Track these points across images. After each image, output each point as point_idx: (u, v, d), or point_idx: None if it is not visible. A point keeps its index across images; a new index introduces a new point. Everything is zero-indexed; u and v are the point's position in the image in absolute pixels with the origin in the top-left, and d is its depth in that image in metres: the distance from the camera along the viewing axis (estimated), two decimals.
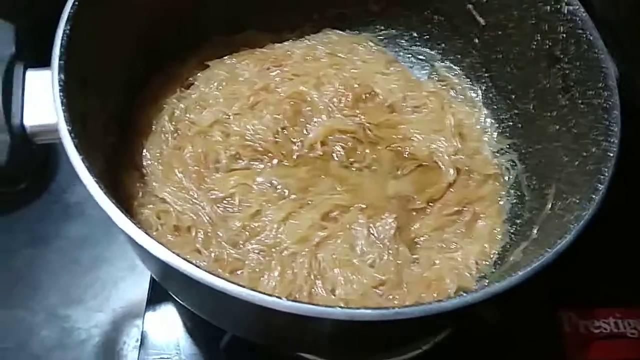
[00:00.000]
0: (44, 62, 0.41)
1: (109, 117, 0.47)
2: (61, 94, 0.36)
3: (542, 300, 0.56)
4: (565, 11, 0.47)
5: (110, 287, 0.63)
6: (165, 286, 0.46)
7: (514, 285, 0.32)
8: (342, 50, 0.61)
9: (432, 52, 0.63)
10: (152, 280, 0.60)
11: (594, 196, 0.37)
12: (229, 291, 0.32)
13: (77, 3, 0.40)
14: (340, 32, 0.64)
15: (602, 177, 0.38)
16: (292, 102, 0.55)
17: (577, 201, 0.39)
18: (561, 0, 0.47)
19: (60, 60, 0.37)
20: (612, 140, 0.40)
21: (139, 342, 0.59)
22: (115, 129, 0.49)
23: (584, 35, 0.45)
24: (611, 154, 0.39)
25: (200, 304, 0.43)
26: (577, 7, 0.46)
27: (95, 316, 0.61)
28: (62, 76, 0.37)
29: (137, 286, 0.63)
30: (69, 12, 0.39)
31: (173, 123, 0.53)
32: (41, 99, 0.39)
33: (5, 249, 0.65)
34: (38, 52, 0.42)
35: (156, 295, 0.58)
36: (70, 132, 0.35)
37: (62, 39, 0.38)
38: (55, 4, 0.41)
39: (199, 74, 0.57)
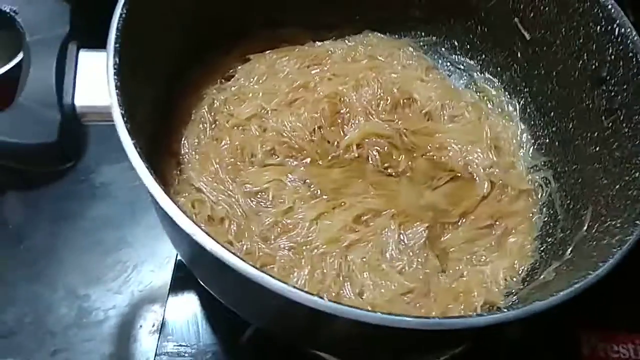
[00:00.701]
0: (94, 43, 0.41)
1: (152, 104, 0.48)
2: (115, 77, 0.36)
3: (564, 319, 0.56)
4: (617, 33, 0.46)
5: (130, 270, 0.64)
6: (195, 271, 0.46)
7: (553, 305, 0.32)
8: (382, 53, 0.61)
9: (472, 63, 0.62)
10: (176, 268, 0.60)
11: (638, 222, 0.36)
12: (265, 282, 0.32)
13: None
14: (381, 35, 0.63)
15: None
16: (330, 102, 0.55)
17: (619, 225, 0.39)
18: (613, 22, 0.47)
19: (115, 43, 0.38)
20: None
21: (154, 327, 0.60)
22: (156, 115, 0.49)
23: (634, 59, 0.45)
24: None
25: (230, 292, 0.43)
26: (630, 29, 0.46)
27: (113, 298, 0.62)
28: (117, 60, 0.37)
29: (157, 271, 0.63)
30: None
31: (212, 114, 0.53)
32: (93, 80, 0.39)
33: (30, 224, 0.66)
34: (90, 33, 0.42)
35: (178, 283, 0.59)
36: (123, 116, 0.35)
37: (118, 23, 0.38)
38: None
39: (239, 67, 0.57)
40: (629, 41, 0.46)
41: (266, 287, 0.32)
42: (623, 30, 0.46)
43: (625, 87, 0.46)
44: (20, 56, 0.57)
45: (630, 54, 0.45)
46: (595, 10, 0.48)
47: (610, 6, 0.47)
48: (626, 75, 0.46)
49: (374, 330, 0.33)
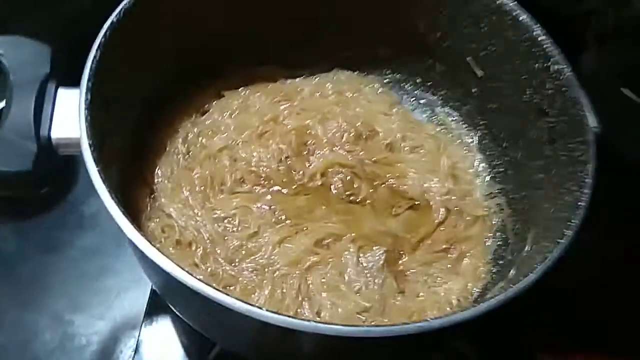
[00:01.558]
0: (74, 80, 0.45)
1: (126, 136, 0.52)
2: (86, 111, 0.41)
3: (523, 341, 0.58)
4: (553, 70, 0.50)
5: (113, 297, 0.67)
6: (164, 296, 0.49)
7: (476, 315, 0.35)
8: (349, 89, 0.65)
9: (434, 98, 0.67)
10: (151, 294, 0.63)
11: (561, 240, 0.39)
12: (221, 301, 0.34)
13: (108, 33, 0.45)
14: (350, 72, 0.68)
15: (570, 223, 0.40)
16: (297, 134, 0.59)
17: (547, 245, 0.42)
18: (550, 59, 0.51)
19: (88, 82, 0.42)
20: (584, 190, 0.43)
21: (133, 352, 0.62)
22: (131, 147, 0.53)
23: (568, 93, 0.49)
24: (582, 203, 0.42)
25: (195, 314, 0.46)
26: (564, 66, 0.50)
27: (96, 323, 0.65)
28: (89, 96, 0.41)
29: (139, 298, 0.66)
30: (100, 41, 0.44)
31: (186, 145, 0.57)
32: (68, 115, 0.43)
33: (20, 253, 0.69)
34: (70, 72, 0.46)
35: (154, 308, 0.62)
36: (90, 146, 0.39)
37: (91, 64, 0.43)
38: (87, 30, 0.46)
39: (214, 102, 0.61)
40: (563, 76, 0.49)
41: (217, 302, 0.35)
42: (558, 66, 0.50)
43: (562, 118, 0.50)
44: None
45: (564, 88, 0.49)
46: (535, 48, 0.52)
47: (547, 45, 0.51)
48: (562, 107, 0.49)
49: (313, 342, 0.36)
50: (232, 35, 0.62)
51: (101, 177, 0.37)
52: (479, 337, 0.46)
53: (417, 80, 0.67)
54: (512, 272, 0.47)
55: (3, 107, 0.60)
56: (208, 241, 0.51)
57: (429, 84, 0.67)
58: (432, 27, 0.61)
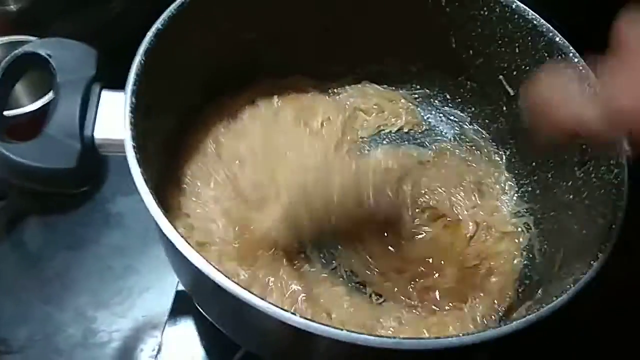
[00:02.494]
0: (116, 84, 0.47)
1: (162, 138, 0.53)
2: (130, 114, 0.42)
3: None
4: None
5: (136, 296, 0.67)
6: (193, 294, 0.50)
7: (505, 334, 0.35)
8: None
9: (463, 115, 0.67)
10: (176, 295, 0.63)
11: (593, 262, 0.40)
12: (259, 306, 0.35)
13: (154, 39, 0.46)
14: (378, 86, 0.69)
15: (603, 246, 0.41)
16: None
17: (579, 267, 0.42)
18: (586, 80, 0.51)
19: (133, 85, 0.43)
20: (618, 214, 0.43)
21: (155, 352, 0.63)
22: (166, 149, 0.54)
23: None
24: (614, 226, 0.42)
25: (224, 316, 0.46)
26: (598, 87, 0.50)
27: (118, 321, 0.65)
28: (133, 100, 0.43)
29: (161, 298, 0.66)
30: (146, 46, 0.46)
31: (215, 148, 0.58)
32: (112, 117, 0.44)
33: (46, 247, 0.70)
34: (113, 76, 0.48)
35: (178, 310, 0.62)
36: (134, 148, 0.40)
37: (137, 68, 0.44)
38: (131, 35, 0.48)
39: (247, 109, 0.62)
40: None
41: (255, 307, 0.35)
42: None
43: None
44: (50, 95, 0.63)
45: None
46: (569, 70, 0.52)
47: (580, 67, 0.52)
48: None
49: (352, 351, 0.36)
50: (264, 43, 0.62)
51: (144, 178, 0.38)
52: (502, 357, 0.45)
53: (447, 97, 0.68)
54: (539, 292, 0.47)
55: (45, 104, 0.63)
56: (222, 243, 0.52)
57: (458, 100, 0.67)
58: (464, 44, 0.62)
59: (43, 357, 0.63)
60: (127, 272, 0.69)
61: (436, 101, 0.69)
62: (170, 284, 0.66)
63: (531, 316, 0.36)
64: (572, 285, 0.38)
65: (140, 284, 0.68)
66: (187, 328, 0.61)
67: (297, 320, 0.35)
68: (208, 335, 0.59)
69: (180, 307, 0.61)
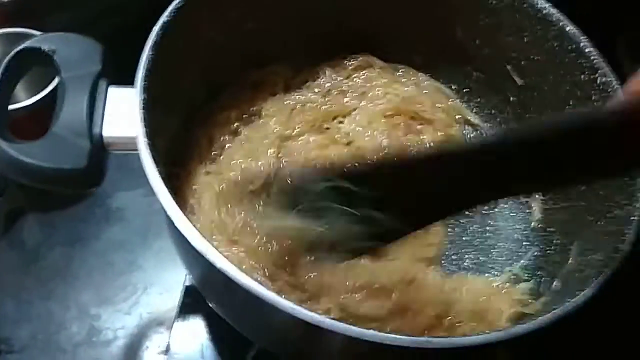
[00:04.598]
0: (122, 80, 0.46)
1: (171, 134, 0.52)
2: (142, 111, 0.40)
3: None
4: (600, 82, 0.50)
5: (140, 292, 0.67)
6: (204, 291, 0.49)
7: (531, 330, 0.35)
8: None
9: (469, 105, 0.66)
10: (184, 292, 0.62)
11: (615, 254, 0.40)
12: (277, 302, 0.34)
13: (160, 32, 0.45)
14: None
15: (624, 238, 0.41)
16: None
17: (600, 258, 0.42)
18: (597, 71, 0.50)
19: (143, 81, 0.42)
20: (636, 205, 0.43)
21: (160, 349, 0.62)
22: (175, 145, 0.53)
23: None
24: (634, 217, 0.42)
25: (237, 311, 0.45)
26: (612, 79, 0.50)
27: (122, 318, 0.65)
28: (144, 96, 0.41)
29: (165, 295, 0.66)
30: (153, 40, 0.44)
31: (227, 141, 0.57)
32: (120, 114, 0.43)
33: (47, 244, 0.69)
34: (119, 72, 0.46)
35: (186, 307, 0.61)
36: (148, 145, 0.39)
37: (146, 63, 0.43)
38: (136, 31, 0.46)
39: (261, 103, 0.60)
40: (610, 89, 0.49)
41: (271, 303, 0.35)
42: (605, 79, 0.50)
43: None
44: (49, 88, 0.61)
45: None
46: (581, 60, 0.52)
47: (594, 56, 0.51)
48: None
49: (374, 348, 0.36)
50: (270, 32, 0.61)
51: (161, 176, 0.37)
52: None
53: (452, 87, 0.67)
54: (555, 284, 0.47)
55: (43, 97, 0.61)
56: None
57: (464, 91, 0.66)
58: (471, 34, 0.61)
59: (46, 356, 0.62)
60: (130, 268, 0.68)
61: None
62: (175, 279, 0.65)
63: (561, 308, 0.35)
64: (594, 278, 0.38)
65: (143, 281, 0.67)
66: (196, 325, 0.60)
67: (314, 317, 0.34)
68: (219, 332, 0.58)
69: (190, 303, 0.60)
